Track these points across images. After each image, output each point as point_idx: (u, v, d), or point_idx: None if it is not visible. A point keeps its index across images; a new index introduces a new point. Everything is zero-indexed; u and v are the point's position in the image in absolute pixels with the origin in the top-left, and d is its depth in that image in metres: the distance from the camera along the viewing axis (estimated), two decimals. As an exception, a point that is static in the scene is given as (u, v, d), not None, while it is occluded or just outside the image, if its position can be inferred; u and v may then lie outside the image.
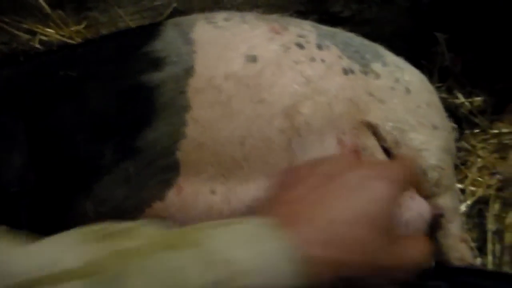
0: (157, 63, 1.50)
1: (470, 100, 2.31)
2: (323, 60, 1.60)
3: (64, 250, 0.75)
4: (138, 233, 0.83)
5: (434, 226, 1.67)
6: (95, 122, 1.47)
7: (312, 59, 1.58)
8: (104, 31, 2.20)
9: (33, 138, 1.45)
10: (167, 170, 1.42)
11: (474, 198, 1.94)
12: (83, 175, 1.43)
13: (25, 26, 2.12)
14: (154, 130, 1.44)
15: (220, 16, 1.65)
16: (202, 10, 2.17)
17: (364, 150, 1.59)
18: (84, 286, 0.68)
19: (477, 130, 2.25)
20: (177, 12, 2.22)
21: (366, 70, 1.68)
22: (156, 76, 1.48)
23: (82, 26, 2.17)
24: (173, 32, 1.59)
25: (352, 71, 1.64)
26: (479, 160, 2.09)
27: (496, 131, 2.20)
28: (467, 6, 2.32)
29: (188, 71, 1.48)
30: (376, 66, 1.72)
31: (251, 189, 1.43)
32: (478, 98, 2.31)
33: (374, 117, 1.63)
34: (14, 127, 1.46)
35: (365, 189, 0.99)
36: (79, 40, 2.14)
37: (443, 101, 2.15)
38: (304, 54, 1.59)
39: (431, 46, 2.36)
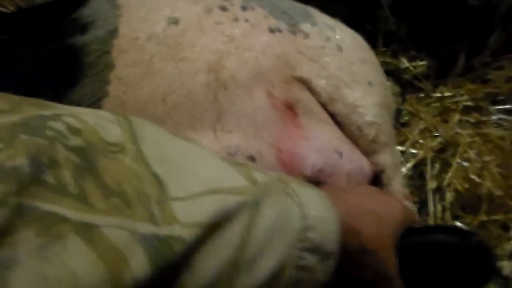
0: (84, 27, 1.50)
1: (414, 64, 2.31)
2: (247, 20, 1.62)
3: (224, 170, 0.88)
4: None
5: (376, 183, 1.69)
6: (26, 82, 1.44)
7: (235, 19, 1.60)
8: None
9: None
10: (91, 129, 1.40)
11: (415, 160, 1.94)
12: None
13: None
14: (80, 88, 1.42)
15: None
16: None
17: (298, 103, 1.59)
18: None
19: (421, 94, 2.25)
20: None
21: (294, 30, 1.68)
22: (82, 39, 1.47)
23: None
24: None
25: (279, 30, 1.65)
26: (421, 122, 2.09)
27: (439, 94, 2.21)
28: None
29: (113, 33, 1.48)
30: (305, 26, 1.72)
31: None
32: (422, 63, 2.32)
33: (306, 73, 1.63)
34: None
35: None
36: (11, 8, 2.09)
37: (388, 65, 2.17)
38: (227, 15, 1.60)
39: (375, 10, 2.35)
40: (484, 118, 2.10)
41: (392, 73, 2.22)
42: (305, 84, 1.62)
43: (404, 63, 2.30)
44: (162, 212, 0.72)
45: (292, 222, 0.87)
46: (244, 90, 1.52)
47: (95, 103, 1.41)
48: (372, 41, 2.03)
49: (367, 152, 1.67)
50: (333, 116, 1.67)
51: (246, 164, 0.96)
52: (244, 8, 1.64)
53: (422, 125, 2.08)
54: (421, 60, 2.32)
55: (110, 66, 1.44)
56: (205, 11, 1.58)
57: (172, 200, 0.74)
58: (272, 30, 1.63)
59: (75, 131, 0.74)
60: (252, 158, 1.45)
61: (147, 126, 0.87)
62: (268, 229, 0.82)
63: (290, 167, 1.48)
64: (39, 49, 1.49)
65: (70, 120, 0.76)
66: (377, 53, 2.24)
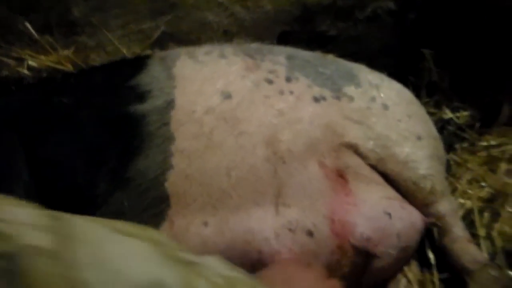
0: (142, 95, 1.54)
1: (457, 114, 2.30)
2: (291, 92, 1.66)
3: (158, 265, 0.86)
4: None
5: (440, 233, 1.71)
6: (89, 150, 1.47)
7: (281, 92, 1.65)
8: (93, 56, 2.18)
9: (33, 166, 1.45)
10: (158, 203, 1.42)
11: (464, 210, 1.92)
12: (81, 205, 1.40)
13: (13, 53, 2.10)
14: (144, 159, 1.44)
15: (201, 50, 1.71)
16: (190, 33, 2.19)
17: (347, 169, 1.62)
18: None
19: (465, 144, 2.23)
20: (165, 35, 2.21)
21: (338, 95, 1.72)
22: (141, 107, 1.51)
23: (71, 51, 2.14)
24: (158, 67, 1.64)
25: (323, 98, 1.68)
26: (468, 172, 2.07)
27: (484, 143, 2.18)
28: (452, 22, 2.32)
29: (170, 104, 1.53)
30: (349, 90, 1.75)
31: (243, 219, 1.45)
32: (466, 113, 2.31)
33: (352, 138, 1.66)
34: (15, 154, 1.46)
35: None
36: (68, 65, 2.12)
37: (431, 116, 2.15)
38: (273, 88, 1.65)
39: (418, 62, 2.35)
40: (531, 168, 2.07)
41: (436, 124, 2.20)
42: (353, 148, 1.65)
43: (448, 113, 2.29)
44: None
45: None
46: (299, 163, 1.55)
47: (161, 175, 1.43)
48: (415, 92, 2.02)
49: (426, 203, 1.69)
50: (385, 175, 1.68)
51: (191, 263, 0.94)
52: (288, 80, 1.67)
53: (469, 175, 2.05)
54: (465, 110, 2.31)
55: (171, 138, 1.47)
56: (254, 85, 1.63)
57: None
58: (316, 99, 1.66)
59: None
60: (309, 233, 1.47)
61: (82, 226, 0.87)
62: None
63: (342, 237, 1.49)
64: (101, 115, 1.52)
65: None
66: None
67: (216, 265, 0.97)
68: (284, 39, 2.26)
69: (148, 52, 2.18)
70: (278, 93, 1.63)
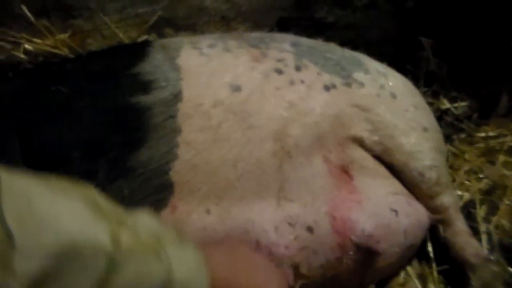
0: (145, 85, 1.50)
1: (455, 105, 2.28)
2: (302, 81, 1.62)
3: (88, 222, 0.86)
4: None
5: (443, 225, 1.69)
6: (88, 139, 1.43)
7: (292, 82, 1.60)
8: (89, 40, 2.15)
9: (28, 154, 1.40)
10: (161, 190, 1.39)
11: (462, 202, 1.90)
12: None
13: (9, 37, 2.06)
14: (147, 149, 1.40)
15: (204, 42, 1.67)
16: (187, 18, 2.16)
17: (352, 163, 1.59)
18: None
19: (463, 135, 2.21)
20: (162, 20, 2.18)
21: (348, 81, 1.68)
22: (145, 98, 1.48)
23: (67, 34, 2.10)
24: (160, 55, 1.60)
25: (334, 86, 1.64)
26: (466, 164, 2.06)
27: (482, 134, 2.17)
28: (451, 11, 2.30)
29: (177, 96, 1.49)
30: (359, 75, 1.71)
31: (245, 210, 1.43)
32: (463, 103, 2.29)
33: (359, 130, 1.64)
34: (9, 143, 1.41)
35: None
36: (64, 49, 2.09)
37: (429, 106, 2.14)
38: (283, 79, 1.61)
39: (416, 51, 2.33)
40: (529, 160, 2.05)
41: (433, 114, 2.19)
42: (358, 141, 1.63)
43: (445, 103, 2.27)
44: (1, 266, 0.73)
45: (155, 284, 0.91)
46: (305, 158, 1.52)
47: (165, 165, 1.40)
48: (413, 82, 1.99)
49: (430, 195, 1.67)
50: (390, 166, 1.66)
51: (121, 222, 0.95)
52: (298, 68, 1.63)
53: (467, 166, 2.04)
54: (462, 100, 2.29)
55: (177, 130, 1.44)
56: (264, 76, 1.58)
57: (15, 255, 0.75)
58: (327, 88, 1.63)
59: None
60: (309, 229, 1.45)
61: (18, 180, 0.86)
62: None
63: (343, 234, 1.47)
64: (100, 105, 1.48)
65: None
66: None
67: (147, 222, 0.99)
68: (281, 26, 2.23)
69: (145, 37, 2.16)
70: (289, 84, 1.59)
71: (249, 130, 1.49)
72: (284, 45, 1.72)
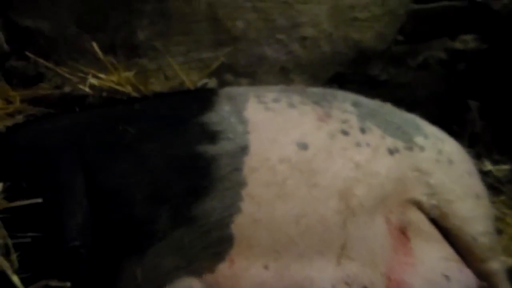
0: (213, 136, 1.52)
1: (497, 167, 2.30)
2: (368, 144, 1.64)
3: None
4: None
5: None
6: (152, 184, 1.45)
7: (358, 144, 1.63)
8: (152, 79, 2.20)
9: (92, 193, 1.44)
10: (221, 243, 1.41)
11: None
12: (137, 238, 1.41)
13: (77, 70, 2.11)
14: (211, 200, 1.42)
15: (269, 96, 1.69)
16: (248, 66, 2.21)
17: (410, 225, 1.61)
18: None
19: (504, 197, 2.22)
20: (224, 66, 2.23)
21: (410, 145, 1.70)
22: (211, 149, 1.50)
23: (132, 73, 2.15)
24: (227, 107, 1.62)
25: (397, 150, 1.67)
26: (508, 227, 2.07)
27: (523, 199, 2.18)
28: (500, 75, 2.32)
29: (244, 150, 1.51)
30: (419, 140, 1.74)
31: (305, 267, 1.43)
32: (505, 167, 2.31)
33: (419, 194, 1.65)
34: (74, 180, 1.45)
35: None
36: (128, 86, 2.12)
37: None
38: (350, 140, 1.63)
39: (463, 112, 2.36)
40: None
41: None
42: (417, 204, 1.64)
43: (487, 166, 2.29)
44: None
45: None
46: (368, 217, 1.54)
47: (227, 217, 1.42)
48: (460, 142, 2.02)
49: (481, 260, 1.68)
50: (445, 230, 1.68)
51: None
52: (363, 131, 1.66)
53: (510, 230, 2.05)
54: (504, 164, 2.31)
55: (242, 184, 1.46)
56: (330, 136, 1.61)
57: None
58: (391, 152, 1.65)
59: None
60: (365, 288, 1.44)
61: None
62: None
63: (396, 296, 1.46)
64: (166, 150, 1.51)
65: None
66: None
67: None
68: (337, 80, 2.28)
69: (205, 80, 2.21)
70: (355, 145, 1.62)
71: (314, 188, 1.50)
72: (345, 105, 1.75)
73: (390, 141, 1.68)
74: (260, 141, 1.54)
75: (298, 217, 1.46)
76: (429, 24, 2.37)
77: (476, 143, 2.36)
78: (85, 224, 1.41)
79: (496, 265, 1.71)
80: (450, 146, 1.81)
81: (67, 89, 2.10)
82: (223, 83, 2.22)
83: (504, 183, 2.25)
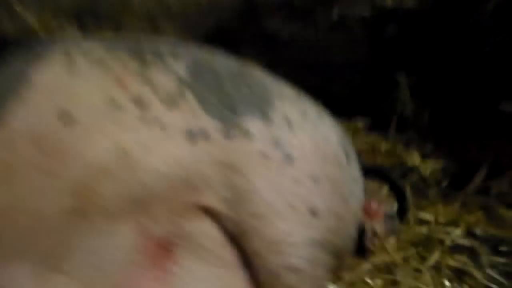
0: None
1: (426, 164, 1.80)
2: (161, 123, 1.18)
3: None
4: None
5: None
6: None
7: (145, 121, 1.17)
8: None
9: None
10: None
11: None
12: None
13: None
14: None
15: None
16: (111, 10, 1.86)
17: (183, 240, 1.18)
18: None
19: (426, 203, 1.69)
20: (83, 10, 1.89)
21: (229, 129, 1.19)
22: None
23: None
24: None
25: (204, 134, 1.20)
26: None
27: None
28: (441, 45, 1.82)
29: None
30: (252, 123, 1.22)
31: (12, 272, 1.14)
32: (436, 165, 1.80)
33: (214, 199, 1.19)
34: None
35: None
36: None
37: (395, 157, 1.72)
38: (136, 115, 1.16)
39: (391, 89, 1.86)
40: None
41: (396, 167, 1.75)
42: (209, 213, 1.20)
43: (415, 159, 1.80)
44: None
45: None
46: (108, 224, 1.15)
47: None
48: (382, 126, 1.71)
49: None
50: (245, 254, 1.23)
51: None
52: (171, 104, 1.20)
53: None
54: (437, 159, 1.80)
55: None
56: (114, 107, 1.16)
57: None
58: (192, 136, 1.18)
59: None
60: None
61: None
62: None
63: None
64: None
65: None
66: (386, 140, 1.79)
67: None
68: (221, 36, 1.84)
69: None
70: (139, 122, 1.18)
71: (47, 176, 1.13)
72: (176, 66, 1.25)
73: (203, 122, 1.20)
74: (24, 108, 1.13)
75: (5, 207, 1.11)
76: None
77: (405, 129, 1.85)
78: None
79: None
80: (302, 137, 1.28)
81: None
82: (83, 30, 1.83)
83: (429, 185, 1.73)
